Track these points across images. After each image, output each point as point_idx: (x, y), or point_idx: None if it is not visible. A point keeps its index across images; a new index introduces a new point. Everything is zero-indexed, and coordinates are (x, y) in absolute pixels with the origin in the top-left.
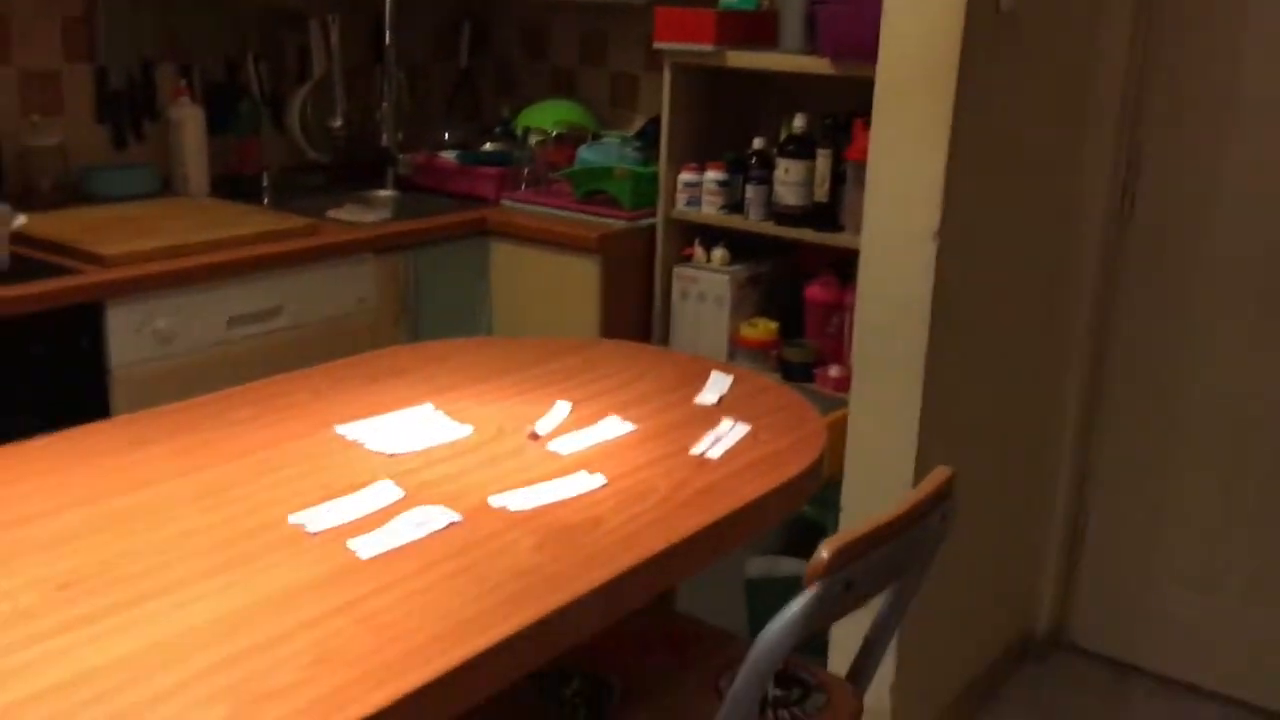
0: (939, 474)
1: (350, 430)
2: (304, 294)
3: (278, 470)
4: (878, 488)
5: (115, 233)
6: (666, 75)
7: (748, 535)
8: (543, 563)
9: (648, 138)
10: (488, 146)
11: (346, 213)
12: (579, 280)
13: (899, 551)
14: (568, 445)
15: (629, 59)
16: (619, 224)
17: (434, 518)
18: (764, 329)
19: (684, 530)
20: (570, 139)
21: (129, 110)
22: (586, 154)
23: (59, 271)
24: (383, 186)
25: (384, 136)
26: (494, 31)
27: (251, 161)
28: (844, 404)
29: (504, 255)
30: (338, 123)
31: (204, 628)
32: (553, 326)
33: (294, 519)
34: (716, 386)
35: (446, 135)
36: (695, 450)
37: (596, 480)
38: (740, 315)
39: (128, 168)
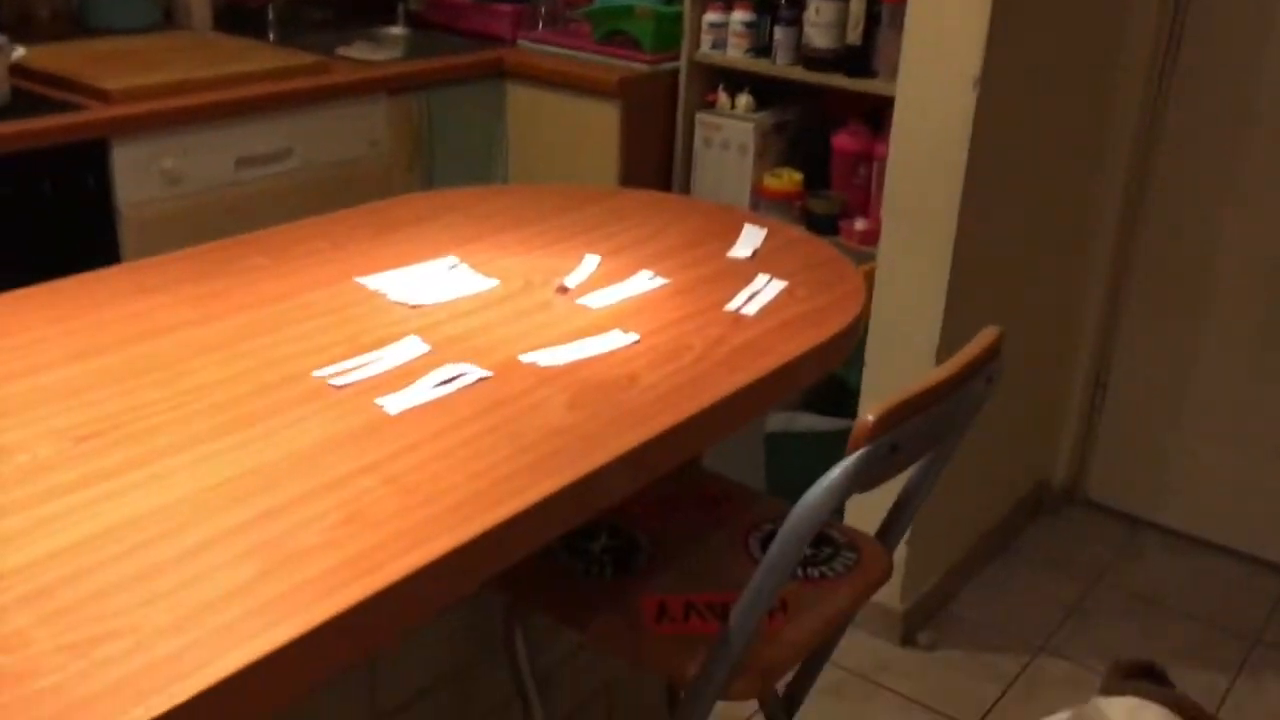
0: (988, 335)
1: (371, 281)
2: (314, 135)
3: (298, 322)
4: (903, 344)
5: (118, 66)
6: None
7: (784, 395)
8: (576, 422)
9: None
10: None
11: (356, 50)
12: (598, 126)
13: (944, 415)
14: (598, 300)
15: None
16: (640, 67)
17: (464, 374)
18: (788, 179)
19: (721, 390)
20: None
21: None
22: None
23: (62, 107)
24: (393, 23)
25: None
26: None
27: None
28: (870, 258)
29: (521, 98)
30: None
31: (228, 484)
32: (570, 174)
33: (318, 374)
34: (750, 240)
35: None
36: (730, 307)
37: (629, 337)
38: (764, 165)
39: None
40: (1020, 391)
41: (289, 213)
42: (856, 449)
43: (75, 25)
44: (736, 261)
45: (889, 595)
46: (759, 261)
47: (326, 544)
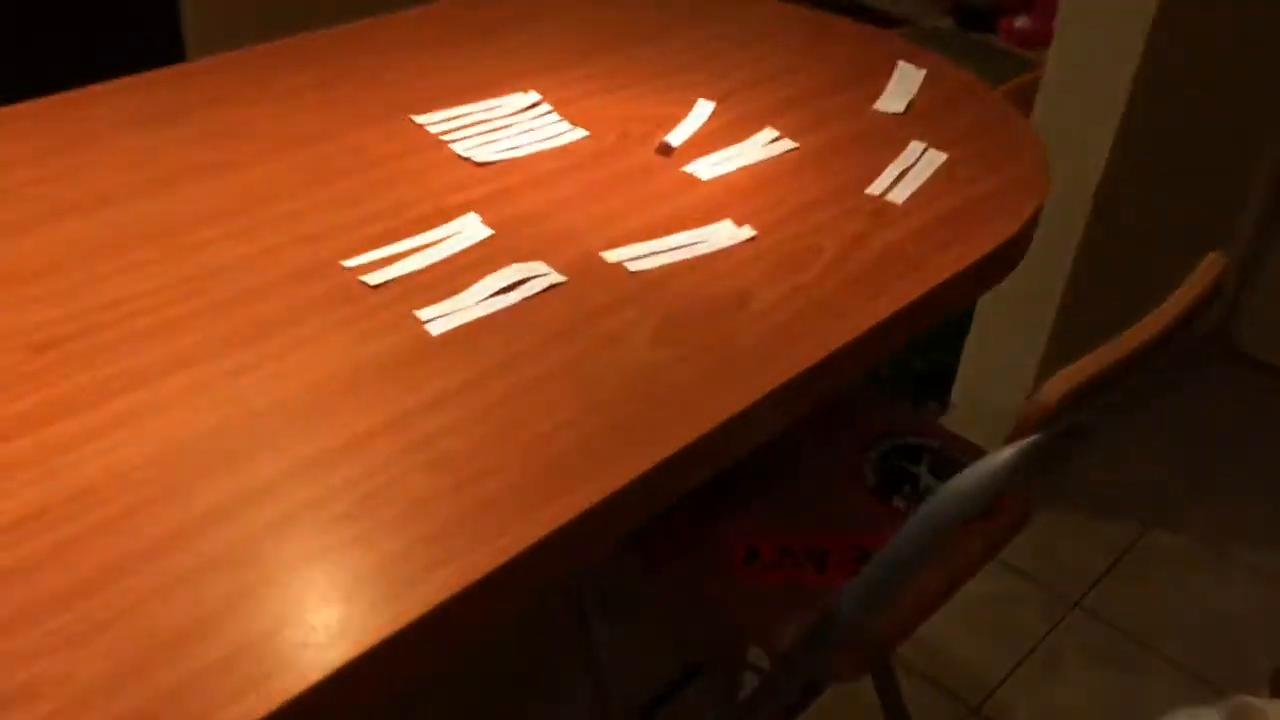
0: (1212, 263)
1: (431, 122)
2: None
3: (335, 178)
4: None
5: None
6: None
7: (930, 326)
8: (663, 364)
9: None
10: None
11: None
12: None
13: (1152, 373)
14: (708, 167)
15: None
16: None
17: (530, 278)
18: None
19: (857, 323)
20: None
21: None
22: None
23: None
24: None
25: None
26: None
27: None
28: (1029, 66)
29: None
30: None
31: (266, 415)
32: None
33: (349, 263)
34: (904, 85)
35: None
36: (873, 189)
37: (743, 232)
38: None
39: None
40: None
41: None
42: (1027, 433)
43: None
44: (884, 117)
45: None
46: (913, 118)
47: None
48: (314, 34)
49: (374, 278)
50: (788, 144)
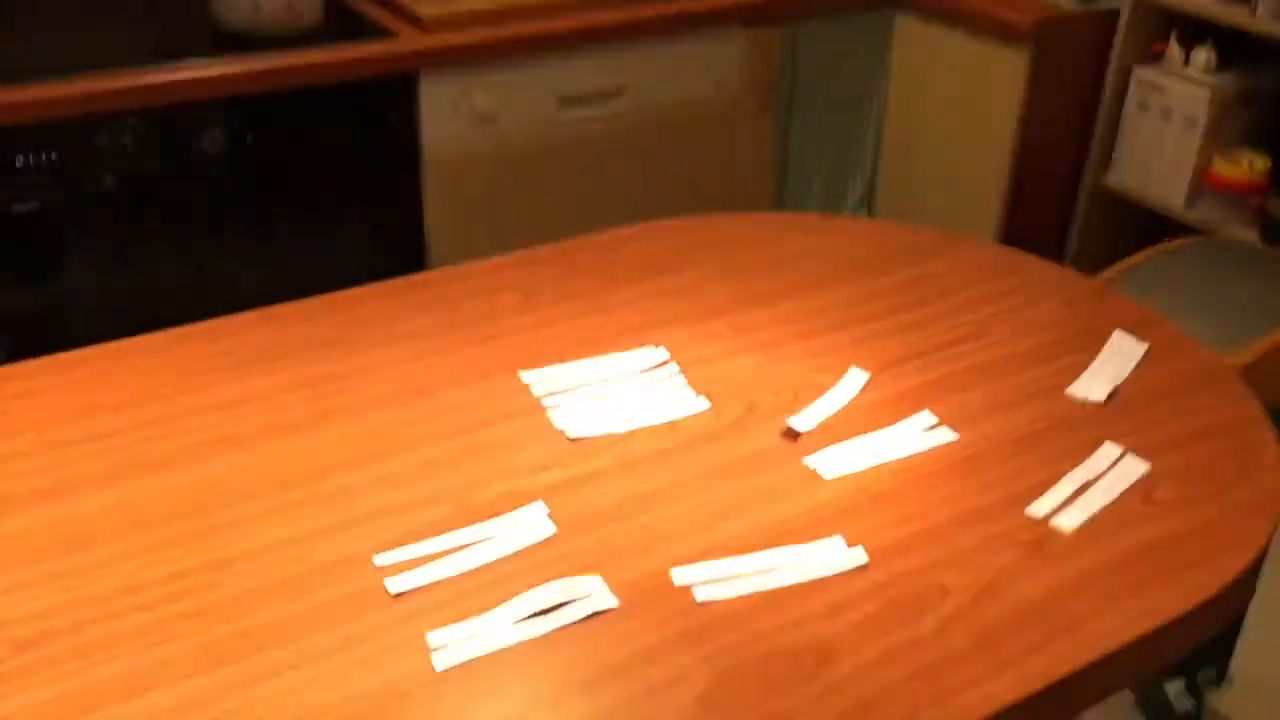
0: None
1: (538, 379)
2: (651, 72)
3: (410, 447)
4: None
5: None
6: None
7: (1097, 701)
8: None
9: None
10: None
11: None
12: (1000, 76)
13: None
14: (835, 461)
15: None
16: (1067, 4)
17: (576, 600)
18: (1248, 167)
19: (966, 705)
20: None
21: None
22: None
23: (372, 33)
24: None
25: None
26: None
27: None
28: None
29: (910, 34)
30: None
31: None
32: (958, 133)
33: (380, 559)
34: (1114, 364)
35: None
36: (1036, 508)
37: (853, 557)
38: (1216, 143)
39: None
40: None
41: (614, 159)
42: None
43: None
44: (1079, 406)
45: None
46: (1117, 410)
47: None
48: (466, 267)
49: (399, 583)
50: (946, 434)
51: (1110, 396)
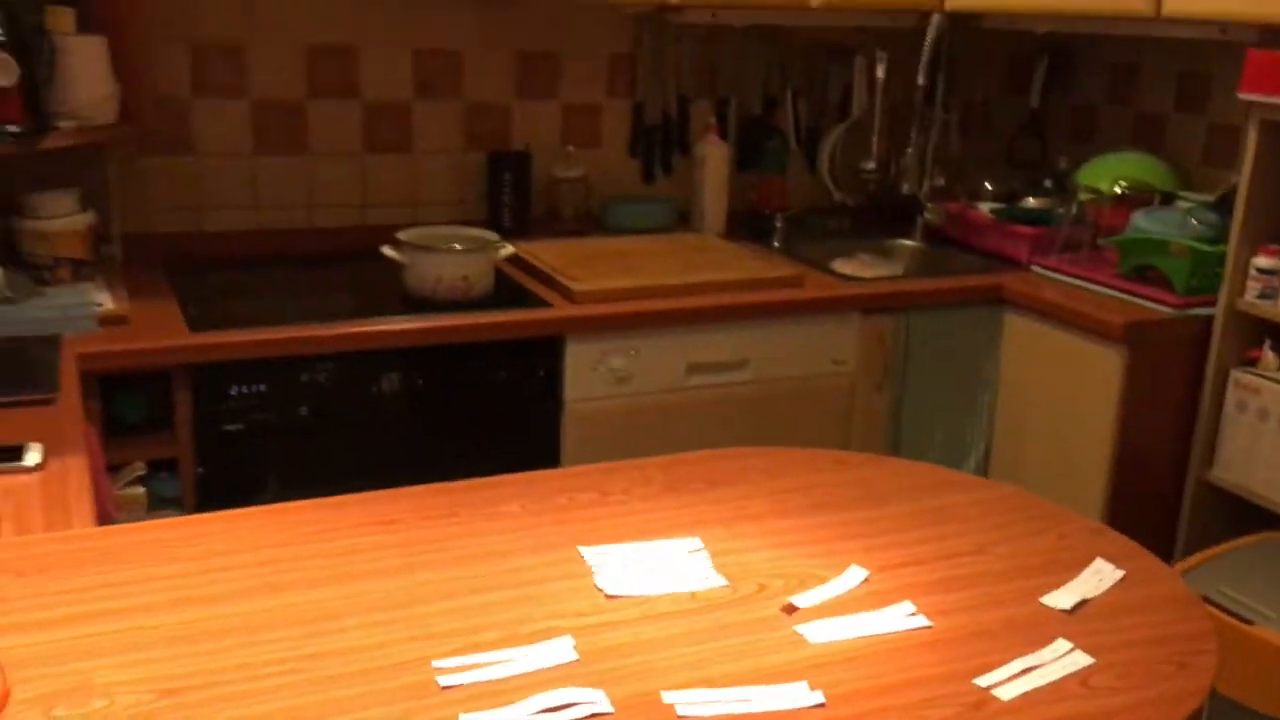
0: None
1: (593, 554)
2: (774, 348)
3: (483, 590)
4: None
5: (597, 266)
6: (1251, 133)
7: None
8: None
9: (1225, 208)
10: (1030, 201)
11: (854, 264)
12: (1097, 373)
13: None
14: (824, 631)
15: (1234, 108)
16: (1164, 310)
17: (575, 704)
18: None
19: None
20: (1131, 200)
21: (661, 145)
22: (1143, 221)
23: (532, 302)
24: (909, 235)
25: (906, 183)
26: (1075, 70)
27: (773, 200)
28: None
29: (1018, 330)
30: (870, 165)
31: None
32: (1063, 423)
33: (437, 663)
34: (1088, 583)
35: (988, 184)
36: (983, 679)
37: (812, 698)
38: None
39: (646, 201)
40: None
41: (736, 422)
42: None
43: (594, 224)
44: (1047, 612)
45: None
46: (1079, 617)
47: None
48: (560, 470)
49: (448, 679)
50: (921, 621)
51: (1077, 606)
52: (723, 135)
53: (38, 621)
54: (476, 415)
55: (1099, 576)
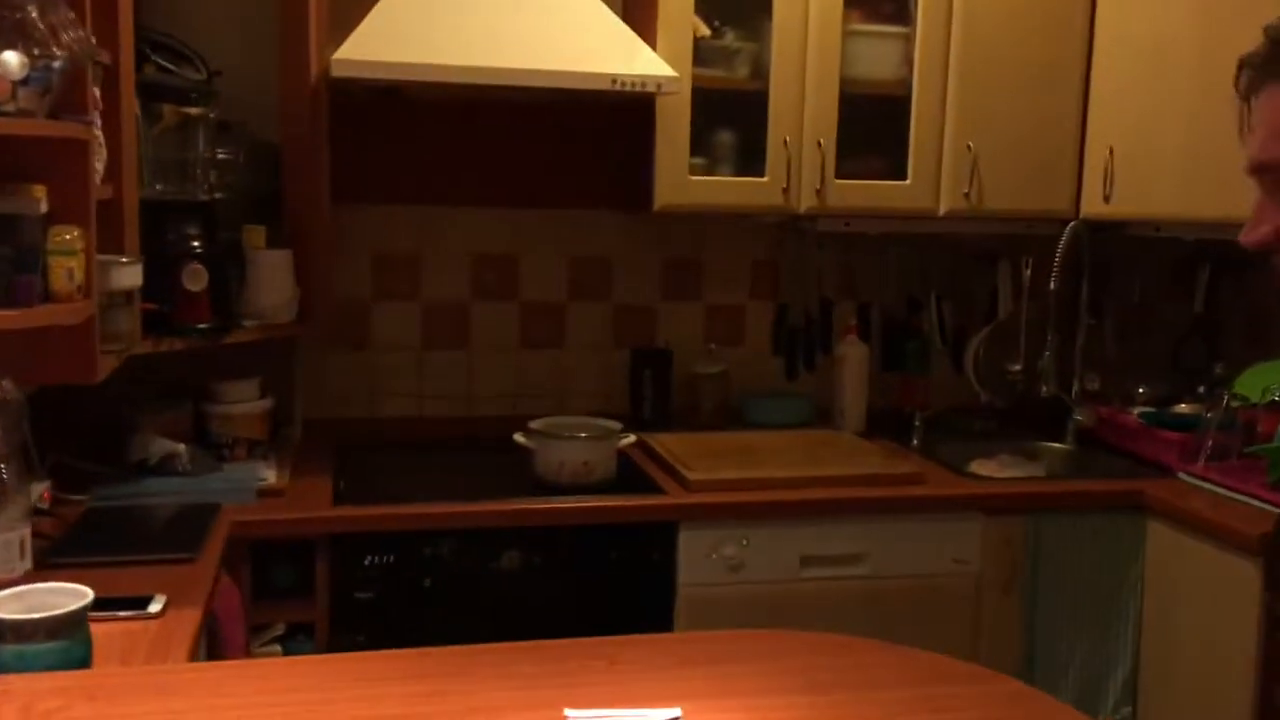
0: None
1: (576, 716)
2: (891, 544)
3: None
4: None
5: (720, 457)
6: None
7: None
8: None
9: None
10: (1182, 406)
11: (993, 465)
12: (1236, 587)
13: None
14: None
15: None
16: None
17: None
18: None
19: None
20: None
21: (804, 344)
22: None
23: (647, 488)
24: (1058, 438)
25: (1045, 385)
26: (1243, 275)
27: (914, 399)
28: None
29: (1161, 538)
30: (1016, 366)
31: None
32: (1210, 640)
33: None
34: None
35: (1140, 389)
36: None
37: None
38: None
39: (786, 397)
40: None
41: (855, 617)
42: None
43: (732, 418)
44: None
45: None
46: None
47: None
48: (585, 639)
49: None
50: None
51: None
52: (864, 335)
53: None
54: (592, 595)
55: None
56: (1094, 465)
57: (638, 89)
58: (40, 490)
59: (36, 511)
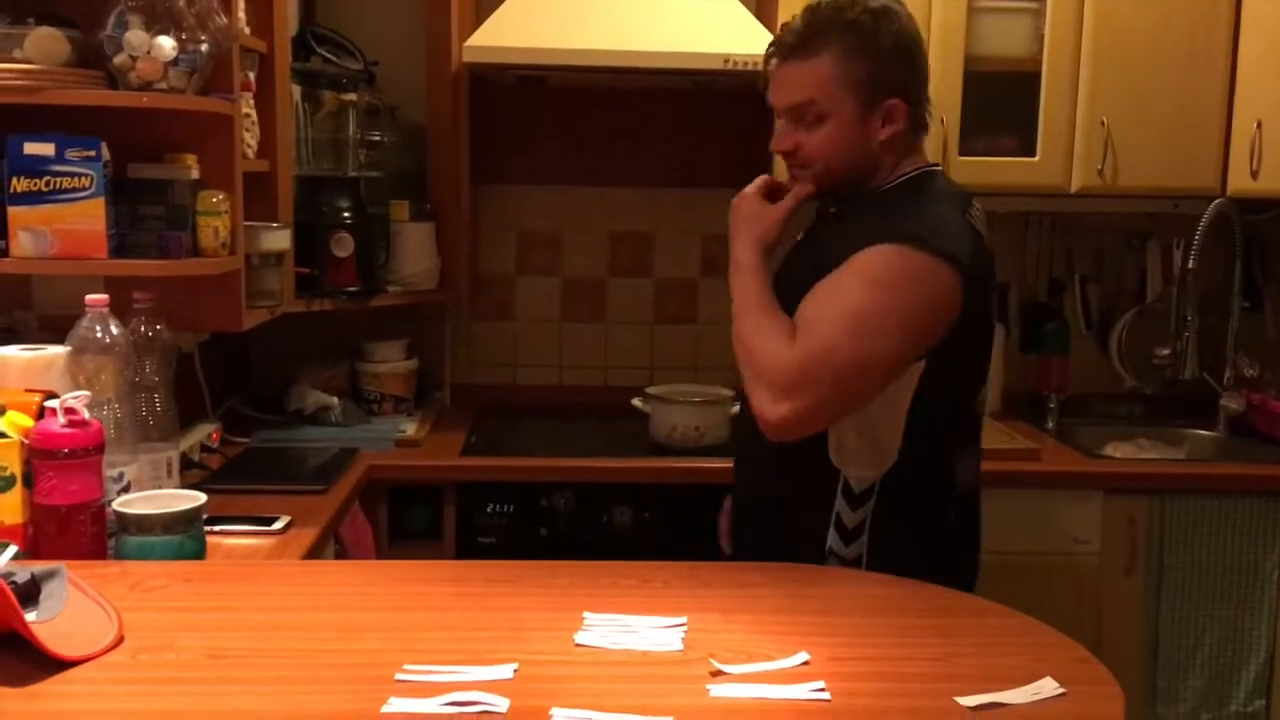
0: None
1: (593, 618)
2: (1008, 520)
3: (479, 629)
4: None
5: None
6: None
7: None
8: None
9: None
10: None
11: (1129, 448)
12: None
13: None
14: (729, 691)
15: None
16: None
17: (477, 704)
18: None
19: None
20: None
21: None
22: None
23: None
24: (1209, 425)
25: (1189, 370)
26: None
27: (1051, 382)
28: None
29: None
30: (1164, 351)
31: None
32: None
33: (408, 666)
34: (1017, 695)
35: None
36: None
37: None
38: None
39: None
40: None
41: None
42: None
43: None
44: (951, 706)
45: None
46: (977, 716)
47: None
48: (612, 563)
49: (406, 677)
50: (823, 696)
51: (984, 707)
52: (1001, 317)
53: (166, 606)
54: (698, 554)
55: (1036, 691)
56: (1238, 453)
57: (751, 68)
58: (210, 431)
59: (205, 449)
